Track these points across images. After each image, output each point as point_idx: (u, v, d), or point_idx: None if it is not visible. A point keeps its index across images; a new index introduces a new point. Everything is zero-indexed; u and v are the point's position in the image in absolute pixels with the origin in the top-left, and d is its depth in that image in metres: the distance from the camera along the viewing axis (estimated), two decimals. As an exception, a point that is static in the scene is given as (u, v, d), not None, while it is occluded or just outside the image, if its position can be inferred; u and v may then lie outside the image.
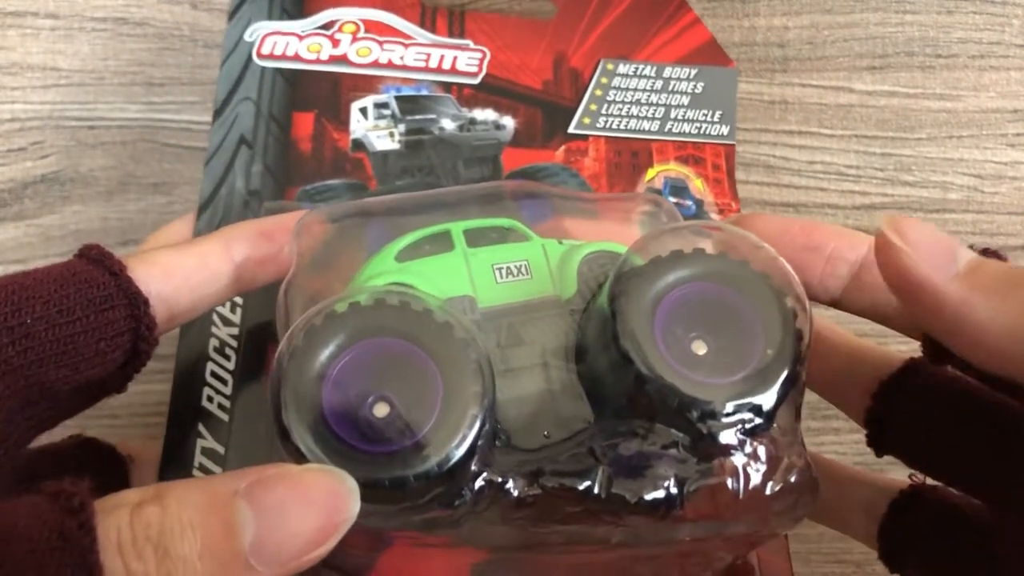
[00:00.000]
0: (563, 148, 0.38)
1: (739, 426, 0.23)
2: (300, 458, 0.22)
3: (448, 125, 0.38)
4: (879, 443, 0.28)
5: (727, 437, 0.23)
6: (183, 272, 0.27)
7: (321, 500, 0.21)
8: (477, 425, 0.22)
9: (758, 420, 0.23)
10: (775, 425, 0.24)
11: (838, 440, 0.38)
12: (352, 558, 0.28)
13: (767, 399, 0.24)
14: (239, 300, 0.33)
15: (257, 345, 0.32)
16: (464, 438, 0.22)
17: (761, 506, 0.24)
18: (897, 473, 0.29)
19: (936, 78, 0.45)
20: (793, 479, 0.24)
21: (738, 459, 0.24)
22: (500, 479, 0.23)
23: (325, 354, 0.23)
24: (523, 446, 0.24)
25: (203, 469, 0.31)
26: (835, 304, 0.28)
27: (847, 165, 0.43)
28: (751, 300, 0.25)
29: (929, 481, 0.28)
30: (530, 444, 0.24)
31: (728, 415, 0.23)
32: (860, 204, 0.43)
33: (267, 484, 0.21)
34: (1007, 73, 0.45)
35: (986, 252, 0.25)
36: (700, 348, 0.24)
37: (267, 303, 0.32)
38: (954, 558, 0.26)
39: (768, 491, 0.24)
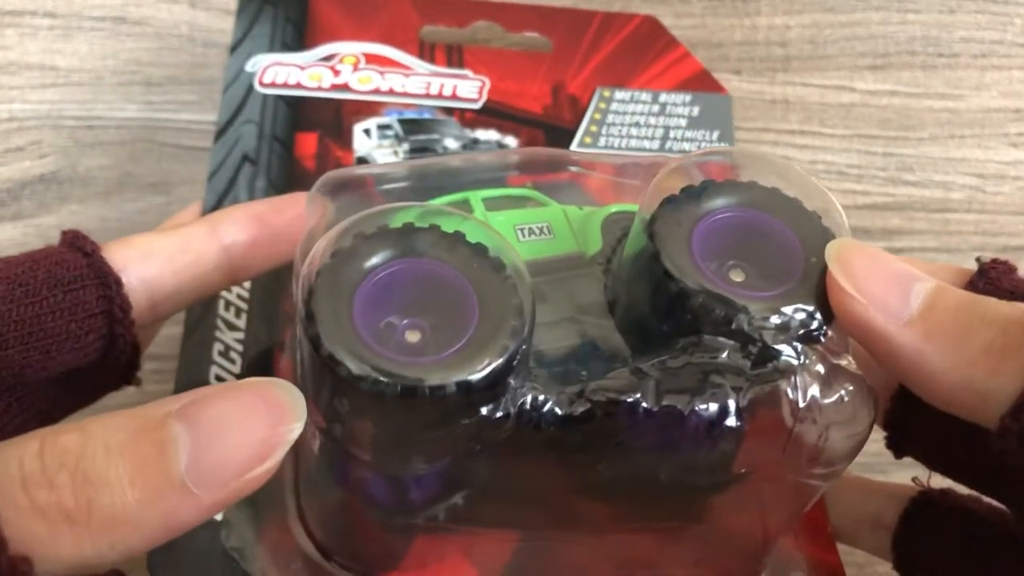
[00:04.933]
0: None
1: (789, 331, 0.23)
2: (336, 365, 0.21)
3: (451, 145, 0.38)
4: (899, 445, 0.27)
5: (778, 343, 0.23)
6: (165, 253, 0.26)
7: (263, 410, 0.19)
8: (518, 339, 0.22)
9: (810, 325, 0.23)
10: (827, 333, 0.23)
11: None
12: (376, 551, 0.27)
13: (814, 304, 0.23)
14: (243, 305, 0.33)
15: (262, 349, 0.32)
16: (505, 348, 0.21)
17: (820, 417, 0.23)
18: (897, 473, 0.29)
19: (938, 77, 0.44)
20: (850, 387, 0.23)
21: (793, 366, 0.23)
22: (544, 397, 0.22)
23: (361, 268, 0.22)
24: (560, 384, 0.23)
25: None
26: None
27: (849, 164, 0.43)
28: (786, 222, 0.24)
29: (932, 484, 0.28)
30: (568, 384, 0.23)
31: (777, 321, 0.23)
32: (862, 204, 0.43)
33: (204, 401, 0.19)
34: (1009, 72, 0.44)
35: (995, 263, 0.25)
36: (738, 276, 0.24)
37: (272, 308, 0.32)
38: (975, 563, 0.26)
39: (825, 400, 0.23)
